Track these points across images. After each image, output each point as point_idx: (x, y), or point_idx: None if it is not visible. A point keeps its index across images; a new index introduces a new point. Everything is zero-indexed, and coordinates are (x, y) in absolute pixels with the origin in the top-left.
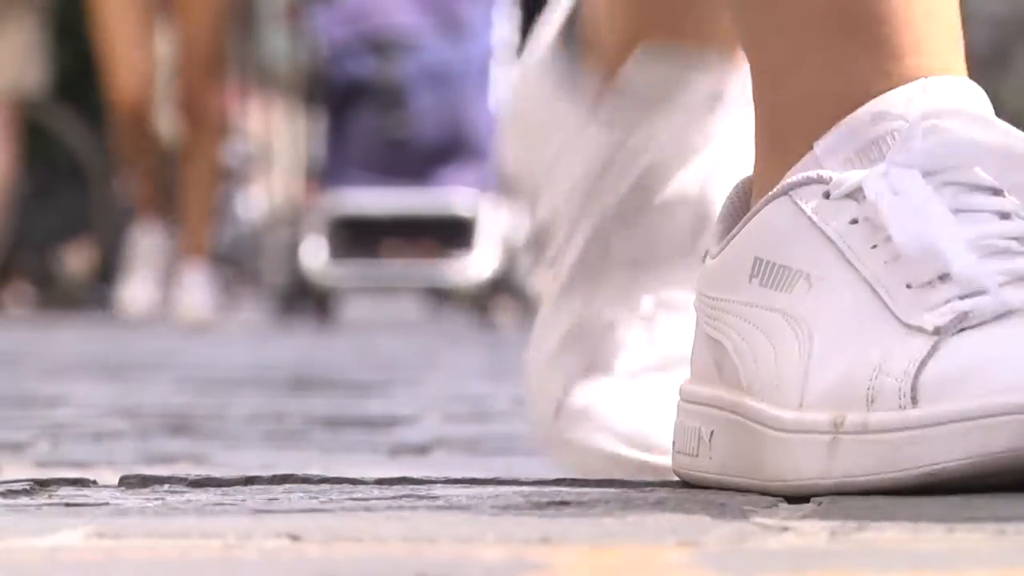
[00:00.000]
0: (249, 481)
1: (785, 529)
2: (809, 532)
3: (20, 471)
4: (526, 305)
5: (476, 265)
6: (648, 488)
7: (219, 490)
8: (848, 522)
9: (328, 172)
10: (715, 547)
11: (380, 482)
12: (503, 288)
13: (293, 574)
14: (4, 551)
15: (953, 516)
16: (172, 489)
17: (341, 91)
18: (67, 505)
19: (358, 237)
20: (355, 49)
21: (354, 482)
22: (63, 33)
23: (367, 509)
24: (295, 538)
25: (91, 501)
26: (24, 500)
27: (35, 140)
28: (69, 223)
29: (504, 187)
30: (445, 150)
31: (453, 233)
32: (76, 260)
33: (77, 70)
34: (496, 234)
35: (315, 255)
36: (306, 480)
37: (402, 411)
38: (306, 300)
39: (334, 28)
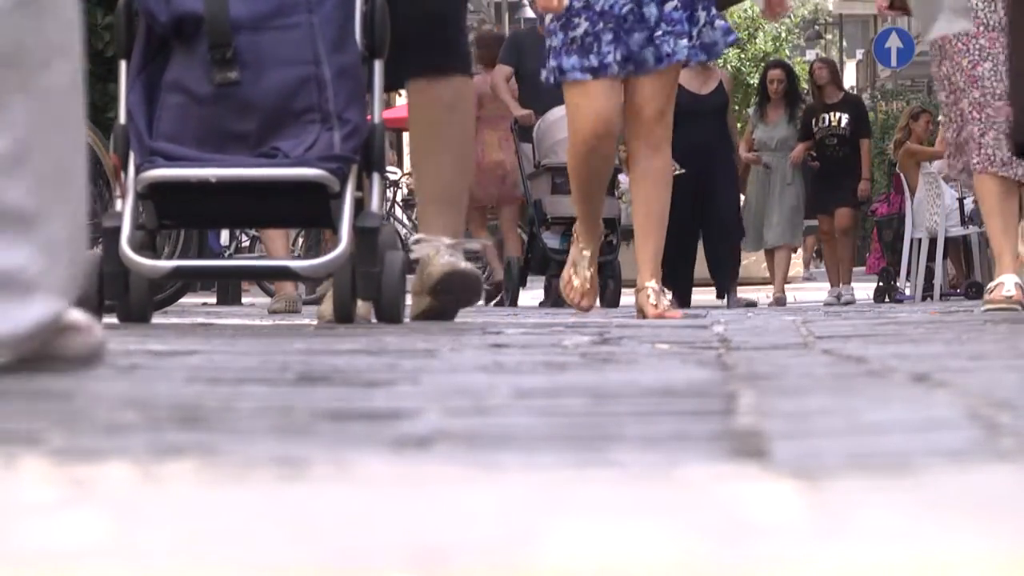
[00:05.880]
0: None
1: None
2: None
3: (36, 461)
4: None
5: (330, 254)
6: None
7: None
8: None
9: (136, 140)
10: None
11: None
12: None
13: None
14: (24, 537)
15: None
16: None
17: (149, 38)
18: (83, 493)
19: (172, 216)
20: None
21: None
22: None
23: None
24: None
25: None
26: (41, 488)
27: None
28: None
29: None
30: (288, 111)
31: (297, 212)
32: None
33: None
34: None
35: (124, 245)
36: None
37: (405, 405)
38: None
39: None
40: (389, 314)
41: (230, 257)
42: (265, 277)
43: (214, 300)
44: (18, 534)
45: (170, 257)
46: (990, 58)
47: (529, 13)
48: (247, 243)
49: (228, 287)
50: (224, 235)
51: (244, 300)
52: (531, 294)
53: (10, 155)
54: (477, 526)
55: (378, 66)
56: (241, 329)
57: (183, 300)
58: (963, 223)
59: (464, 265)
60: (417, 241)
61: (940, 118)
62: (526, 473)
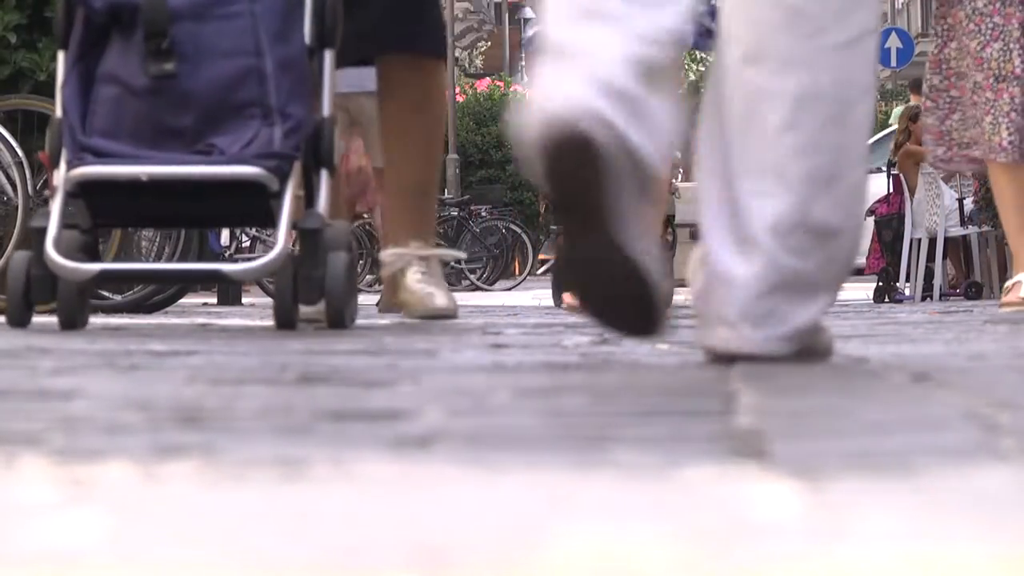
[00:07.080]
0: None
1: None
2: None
3: (36, 461)
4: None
5: (265, 257)
6: None
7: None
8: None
9: (69, 135)
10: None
11: None
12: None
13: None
14: (24, 537)
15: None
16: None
17: (87, 27)
18: (83, 493)
19: (107, 215)
20: None
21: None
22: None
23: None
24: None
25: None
26: (41, 488)
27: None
28: None
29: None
30: (227, 106)
31: (238, 212)
32: None
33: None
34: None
35: (48, 247)
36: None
37: (405, 405)
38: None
39: None
40: (334, 319)
41: (230, 257)
42: (197, 281)
43: (214, 300)
44: (18, 534)
45: (170, 258)
46: (1001, 37)
47: (528, 13)
48: (247, 243)
49: (228, 287)
50: (224, 235)
51: (244, 300)
52: (530, 294)
53: (823, 176)
54: (477, 526)
55: (328, 57)
56: (241, 329)
57: (183, 300)
58: (963, 223)
59: (440, 304)
60: (388, 254)
61: (925, 102)
62: (526, 473)
